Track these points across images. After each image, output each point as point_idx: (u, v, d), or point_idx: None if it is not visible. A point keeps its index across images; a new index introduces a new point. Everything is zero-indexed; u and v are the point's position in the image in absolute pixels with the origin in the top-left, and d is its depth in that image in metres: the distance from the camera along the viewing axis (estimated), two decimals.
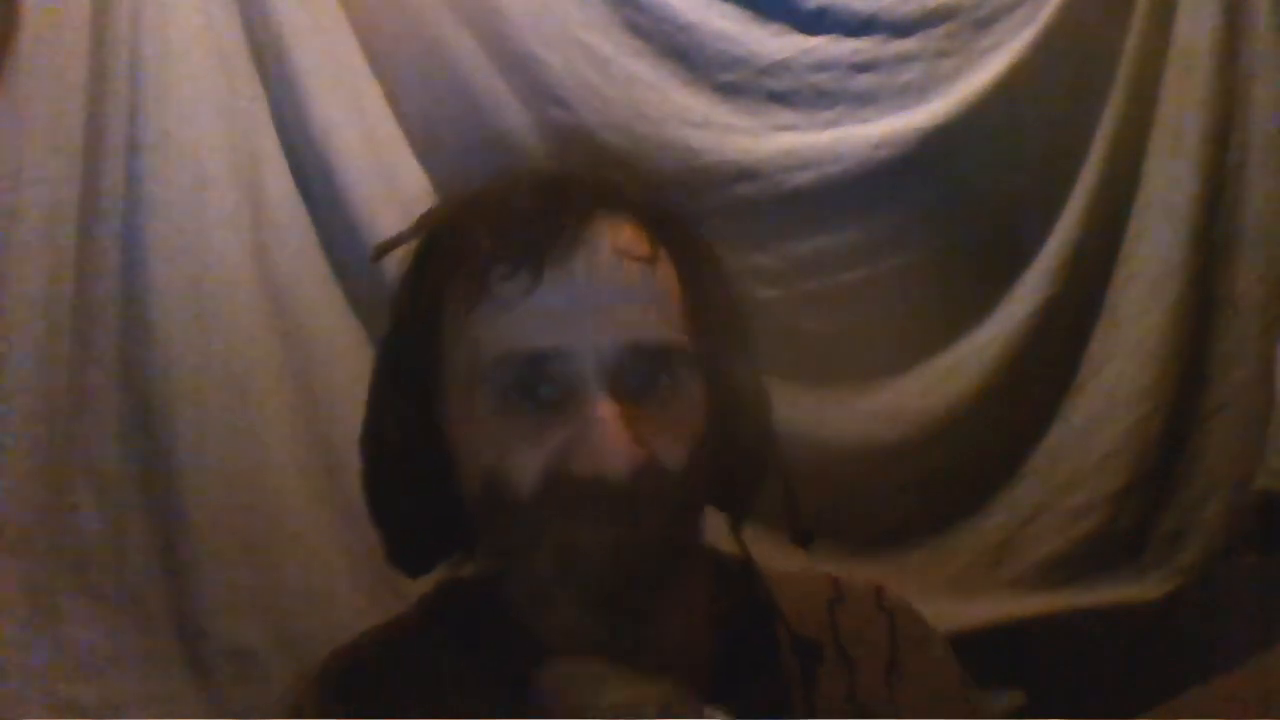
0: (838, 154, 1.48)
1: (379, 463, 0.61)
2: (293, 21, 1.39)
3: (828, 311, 1.52)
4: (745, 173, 1.48)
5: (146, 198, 1.35)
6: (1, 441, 1.31)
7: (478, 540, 0.61)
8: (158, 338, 1.34)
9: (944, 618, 1.35)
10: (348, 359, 1.40)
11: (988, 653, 1.42)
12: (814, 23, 1.49)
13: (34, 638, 1.30)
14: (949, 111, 1.47)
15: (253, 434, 1.37)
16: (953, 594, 1.50)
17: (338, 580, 1.36)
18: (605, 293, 0.55)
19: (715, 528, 0.63)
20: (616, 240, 0.56)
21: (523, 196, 0.58)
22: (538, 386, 0.54)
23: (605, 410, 0.52)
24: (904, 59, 1.49)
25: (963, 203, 1.52)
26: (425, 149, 1.45)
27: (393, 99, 1.45)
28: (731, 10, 1.48)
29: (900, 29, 1.49)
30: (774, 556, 0.65)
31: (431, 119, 1.46)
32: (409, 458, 0.59)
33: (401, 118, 1.45)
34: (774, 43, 1.48)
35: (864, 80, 1.49)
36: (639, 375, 0.55)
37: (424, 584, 0.65)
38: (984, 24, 1.50)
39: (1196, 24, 1.50)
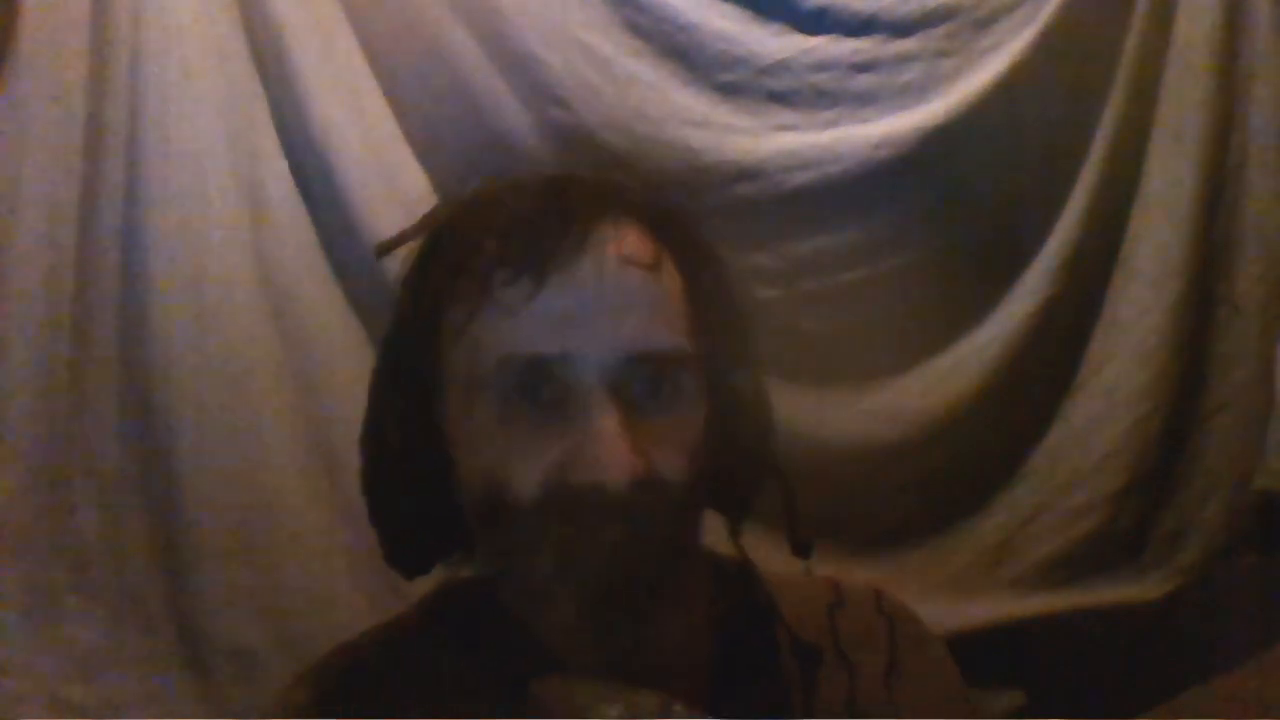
0: (838, 154, 1.48)
1: (378, 463, 0.61)
2: (293, 21, 1.39)
3: (828, 311, 1.52)
4: (745, 173, 1.48)
5: (146, 198, 1.35)
6: (1, 441, 1.31)
7: (476, 541, 0.61)
8: (158, 338, 1.35)
9: (944, 618, 1.36)
10: (348, 359, 1.40)
11: (988, 653, 1.42)
12: (814, 23, 1.49)
13: (34, 638, 1.30)
14: (949, 111, 1.47)
15: (253, 434, 1.37)
16: (953, 594, 1.50)
17: (338, 580, 1.36)
18: (609, 299, 0.54)
19: (717, 531, 0.63)
20: (620, 245, 0.55)
21: (526, 199, 0.57)
22: (539, 392, 0.54)
23: (606, 420, 0.52)
24: (904, 59, 1.49)
25: (963, 203, 1.52)
26: (425, 149, 1.45)
27: (393, 99, 1.45)
28: (731, 10, 1.48)
29: (900, 29, 1.49)
30: (774, 559, 0.65)
31: (431, 119, 1.46)
32: (408, 458, 0.59)
33: (401, 118, 1.45)
34: (774, 43, 1.48)
35: (864, 80, 1.49)
36: (641, 383, 0.54)
37: (424, 584, 0.65)
38: (984, 24, 1.49)
39: (1196, 24, 1.50)
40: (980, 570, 1.54)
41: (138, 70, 1.35)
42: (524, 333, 0.54)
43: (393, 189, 1.42)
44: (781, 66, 1.48)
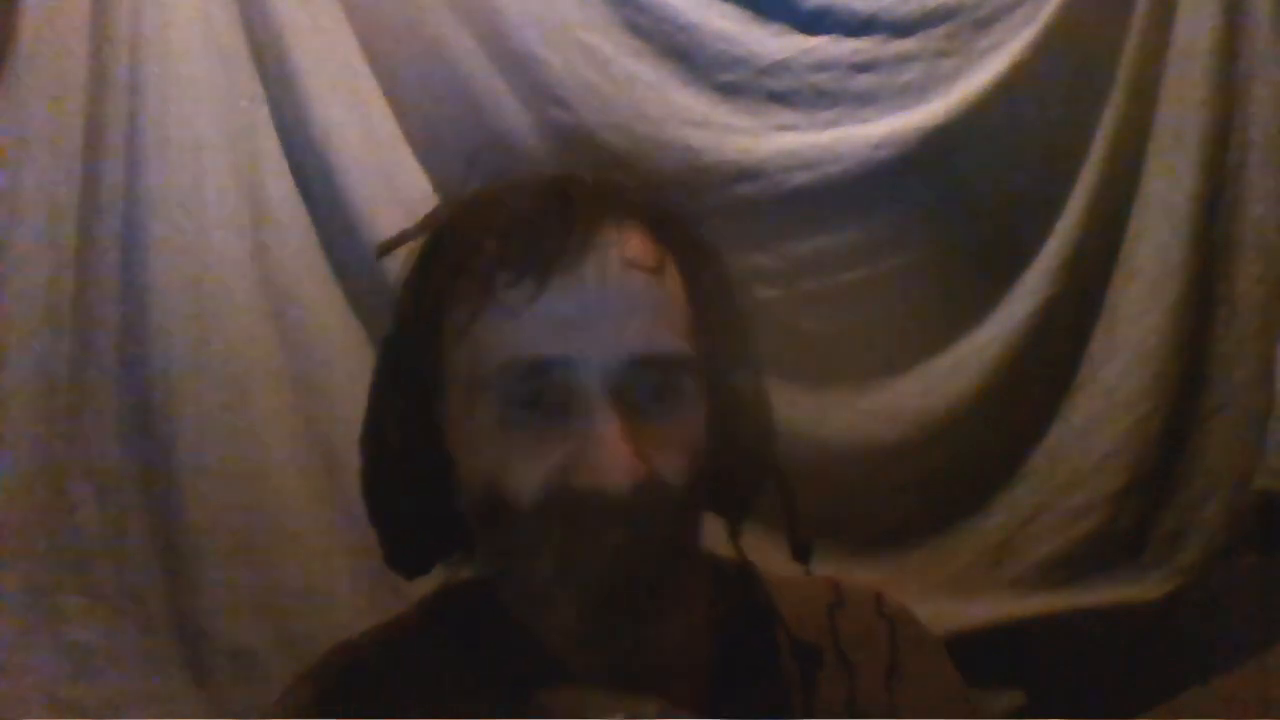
0: (838, 154, 1.48)
1: (378, 463, 0.61)
2: (293, 21, 1.39)
3: (828, 311, 1.52)
4: (745, 173, 1.48)
5: (146, 198, 1.35)
6: (1, 441, 1.31)
7: (476, 542, 0.61)
8: (158, 338, 1.35)
9: (944, 618, 1.37)
10: (348, 359, 1.40)
11: (988, 653, 1.42)
12: (814, 23, 1.49)
13: (34, 638, 1.30)
14: (949, 111, 1.47)
15: (253, 434, 1.37)
16: (953, 594, 1.50)
17: (338, 580, 1.36)
18: (611, 303, 0.54)
19: (717, 532, 0.63)
20: (623, 249, 0.55)
21: (528, 201, 0.57)
22: (541, 395, 0.54)
23: (608, 424, 0.52)
24: (904, 59, 1.49)
25: (963, 203, 1.52)
26: (425, 149, 1.45)
27: (393, 99, 1.45)
28: (731, 10, 1.48)
29: (900, 29, 1.49)
30: (774, 560, 0.65)
31: (431, 119, 1.46)
32: (408, 458, 0.59)
33: (401, 118, 1.45)
34: (774, 43, 1.48)
35: (864, 80, 1.49)
36: (643, 387, 0.54)
37: (424, 584, 0.65)
38: (984, 24, 1.49)
39: (1196, 24, 1.49)
40: (980, 570, 1.54)
41: (138, 70, 1.35)
42: (526, 335, 0.54)
43: (393, 189, 1.42)
44: (781, 66, 1.48)
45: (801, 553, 0.63)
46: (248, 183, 1.40)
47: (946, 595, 1.50)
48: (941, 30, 1.49)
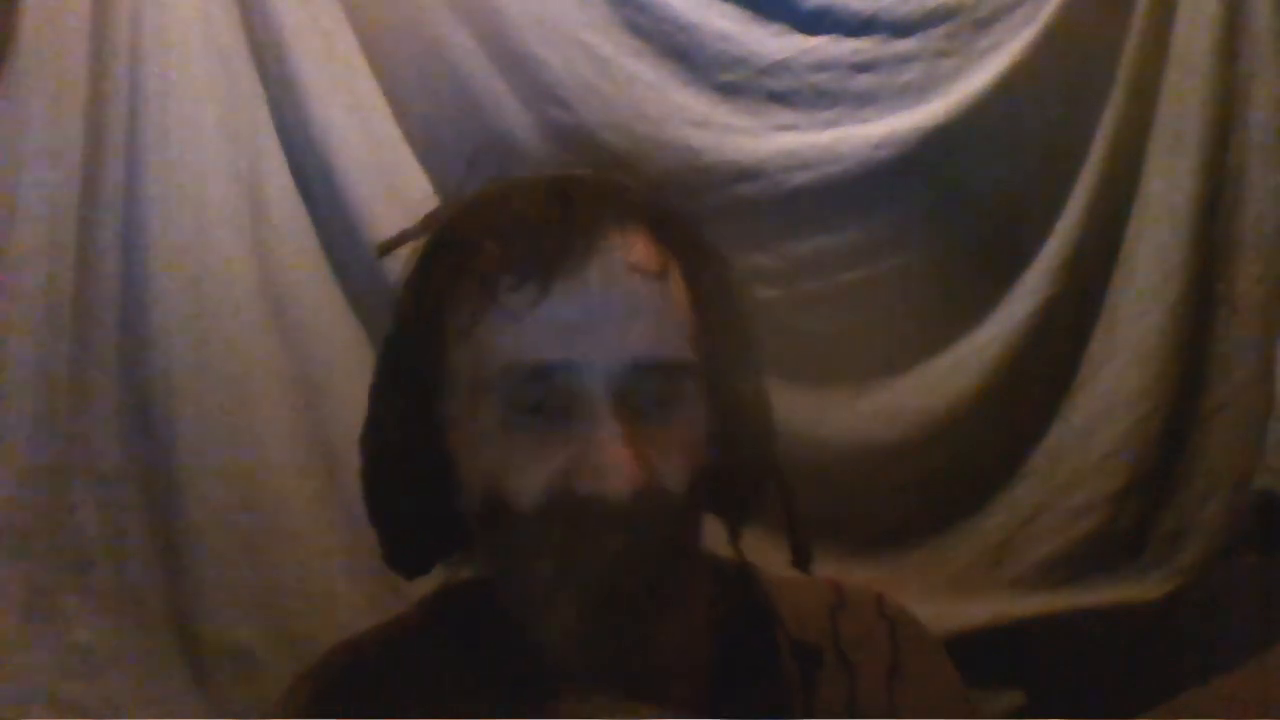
0: (838, 154, 1.48)
1: (378, 463, 0.61)
2: (293, 21, 1.40)
3: (828, 311, 1.52)
4: (745, 173, 1.48)
5: (146, 198, 1.35)
6: (1, 441, 1.31)
7: (476, 543, 0.61)
8: (158, 338, 1.35)
9: (944, 618, 1.37)
10: (348, 359, 1.41)
11: (988, 653, 1.42)
12: (814, 23, 1.49)
13: (34, 638, 1.30)
14: (949, 111, 1.47)
15: (253, 434, 1.37)
16: (953, 594, 1.50)
17: (338, 580, 1.36)
18: (614, 307, 0.54)
19: (718, 533, 0.63)
20: (627, 253, 0.55)
21: (531, 203, 0.57)
22: (543, 399, 0.54)
23: (611, 429, 0.52)
24: (904, 59, 1.49)
25: (963, 203, 1.52)
26: (425, 149, 1.45)
27: (393, 99, 1.45)
28: (731, 10, 1.48)
29: (900, 29, 1.49)
30: (775, 561, 0.65)
31: (431, 119, 1.46)
32: (408, 458, 0.59)
33: (401, 118, 1.45)
34: (774, 43, 1.48)
35: (864, 80, 1.49)
36: (645, 391, 0.54)
37: (424, 584, 0.65)
38: (984, 24, 1.49)
39: (1196, 24, 1.49)
40: (980, 570, 1.54)
41: (138, 70, 1.35)
42: (529, 340, 0.54)
43: (393, 189, 1.42)
44: (781, 66, 1.48)
45: (802, 559, 0.63)
46: (248, 183, 1.40)
47: (946, 595, 1.50)
48: (941, 30, 1.49)
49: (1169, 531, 1.55)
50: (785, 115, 1.49)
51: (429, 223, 0.61)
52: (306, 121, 1.40)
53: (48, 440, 1.33)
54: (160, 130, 1.35)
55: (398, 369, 0.60)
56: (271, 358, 1.40)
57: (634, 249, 0.56)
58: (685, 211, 0.61)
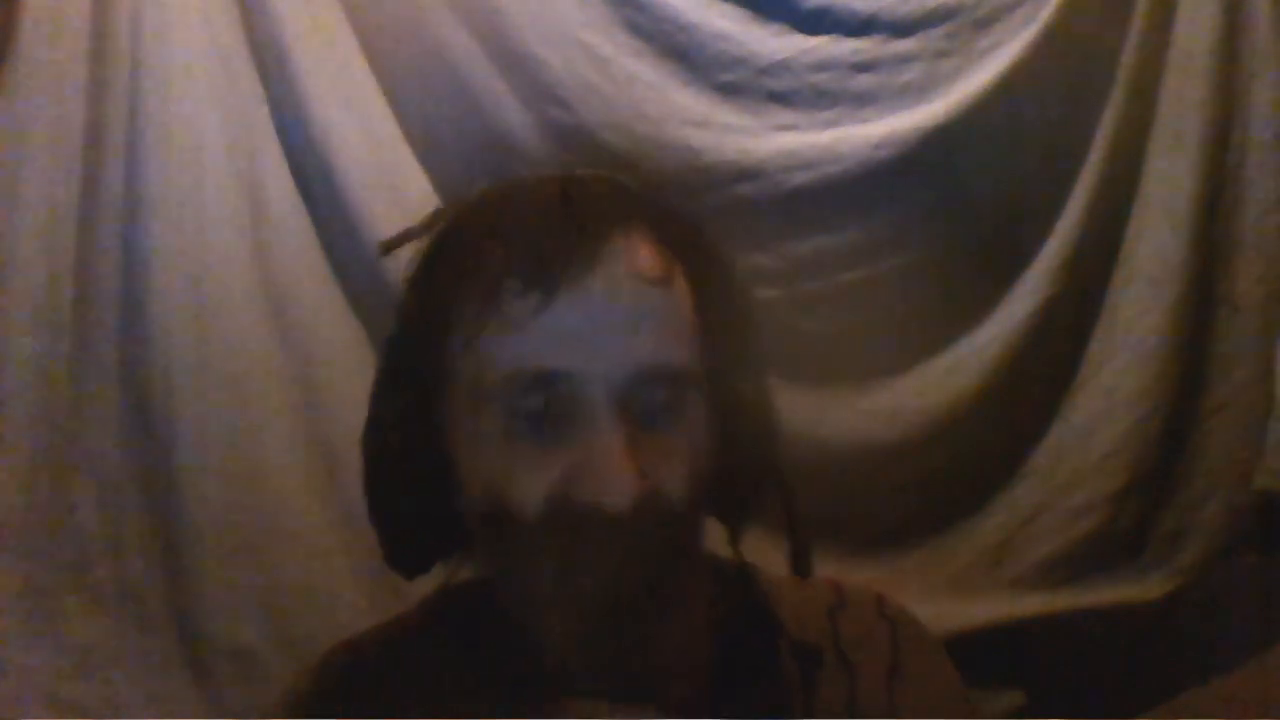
0: (838, 154, 1.48)
1: (379, 463, 0.61)
2: (293, 21, 1.39)
3: (828, 311, 1.52)
4: (745, 173, 1.48)
5: (146, 198, 1.35)
6: (1, 441, 1.31)
7: (477, 545, 0.61)
8: (158, 338, 1.35)
9: (944, 618, 1.36)
10: (348, 359, 1.40)
11: (988, 653, 1.42)
12: (814, 23, 1.49)
13: (34, 638, 1.30)
14: (949, 111, 1.47)
15: (253, 434, 1.37)
16: (953, 594, 1.50)
17: (338, 580, 1.36)
18: (618, 316, 0.54)
19: (718, 533, 0.63)
20: (632, 260, 0.55)
21: (536, 208, 0.56)
22: (545, 407, 0.54)
23: (612, 439, 0.52)
24: (904, 59, 1.49)
25: (963, 203, 1.52)
26: (425, 149, 1.45)
27: (393, 99, 1.45)
28: (731, 10, 1.48)
29: (900, 29, 1.49)
30: (776, 561, 0.65)
31: (431, 119, 1.46)
32: (409, 459, 0.59)
33: (401, 118, 1.45)
34: (774, 43, 1.48)
35: (864, 80, 1.49)
36: (647, 399, 0.54)
37: (424, 584, 0.65)
38: (984, 24, 1.49)
39: (1196, 24, 1.49)
40: (980, 570, 1.54)
41: (138, 70, 1.35)
42: (531, 348, 0.53)
43: (393, 189, 1.41)
44: (781, 66, 1.48)
45: (801, 567, 0.62)
46: (248, 183, 1.40)
47: (946, 595, 1.50)
48: (941, 30, 1.49)
49: (1169, 531, 1.55)
50: (785, 115, 1.49)
51: (432, 222, 0.61)
52: (306, 121, 1.40)
53: (48, 440, 1.33)
54: (160, 130, 1.35)
55: (399, 369, 0.60)
56: (271, 358, 1.40)
57: (638, 255, 0.55)
58: (690, 213, 0.61)
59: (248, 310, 1.39)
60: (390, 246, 0.62)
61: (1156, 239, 1.53)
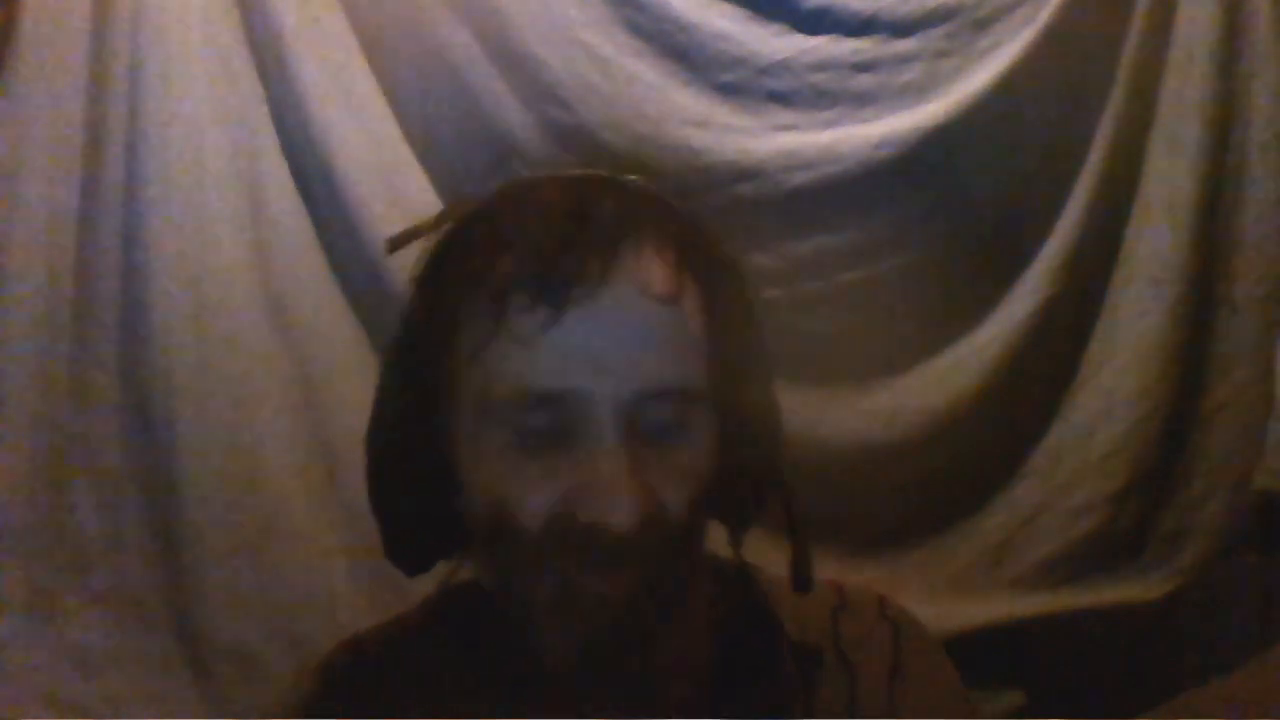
0: (838, 154, 1.48)
1: (381, 462, 0.61)
2: (293, 21, 1.40)
3: (828, 311, 1.52)
4: (745, 173, 1.48)
5: (146, 198, 1.35)
6: (2, 441, 1.31)
7: (477, 551, 0.61)
8: (158, 338, 1.35)
9: (944, 618, 1.37)
10: (348, 359, 1.41)
11: (988, 653, 1.42)
12: (814, 23, 1.49)
13: (34, 638, 1.30)
14: (949, 111, 1.47)
15: (253, 434, 1.38)
16: (953, 594, 1.50)
17: (338, 580, 1.36)
18: (627, 335, 0.53)
19: (719, 533, 0.63)
20: (643, 278, 0.54)
21: (549, 218, 0.55)
22: (550, 423, 0.53)
23: (617, 459, 0.52)
24: (904, 59, 1.49)
25: (963, 203, 1.52)
26: (425, 149, 1.45)
27: (393, 99, 1.45)
28: (731, 10, 1.48)
29: (900, 29, 1.49)
30: (776, 561, 0.65)
31: (431, 119, 1.46)
32: (410, 459, 0.59)
33: (401, 118, 1.45)
34: (774, 43, 1.48)
35: (864, 80, 1.49)
36: (652, 417, 0.53)
37: (424, 584, 0.65)
38: (984, 24, 1.49)
39: (1196, 24, 1.49)
40: (980, 570, 1.54)
41: (138, 70, 1.35)
42: (538, 366, 0.53)
43: (393, 189, 1.42)
44: (781, 66, 1.48)
45: (801, 582, 0.62)
46: (248, 183, 1.40)
47: (946, 595, 1.50)
48: (941, 30, 1.49)
49: (1169, 531, 1.55)
50: (785, 115, 1.49)
51: (440, 221, 0.60)
52: (306, 121, 1.40)
53: (48, 440, 1.33)
54: (160, 130, 1.35)
55: (403, 371, 0.60)
56: (271, 358, 1.40)
57: (649, 272, 0.54)
58: (703, 221, 0.60)
59: (248, 310, 1.39)
60: (397, 244, 0.61)
61: (1156, 239, 1.53)
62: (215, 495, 1.35)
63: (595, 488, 0.51)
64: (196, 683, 1.34)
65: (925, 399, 1.54)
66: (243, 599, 1.34)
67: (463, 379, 0.56)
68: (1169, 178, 1.52)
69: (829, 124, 1.49)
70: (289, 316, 1.41)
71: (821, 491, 1.41)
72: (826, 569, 0.68)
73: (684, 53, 1.48)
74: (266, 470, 1.37)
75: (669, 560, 0.54)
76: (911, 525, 1.55)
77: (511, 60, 1.45)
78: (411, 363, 0.59)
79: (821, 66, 1.49)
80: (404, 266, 0.61)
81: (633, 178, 0.60)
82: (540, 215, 0.55)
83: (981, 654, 1.39)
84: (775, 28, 1.49)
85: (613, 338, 0.53)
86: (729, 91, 1.49)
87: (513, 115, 1.45)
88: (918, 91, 1.50)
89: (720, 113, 1.49)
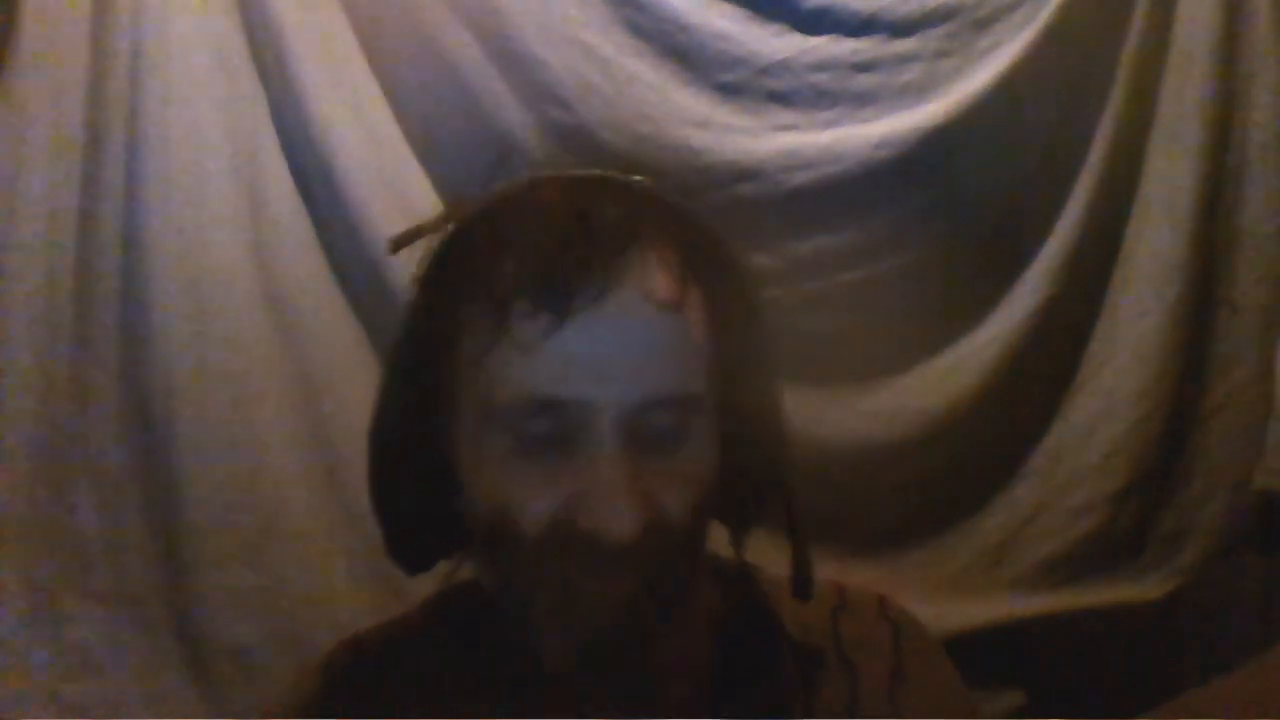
0: (838, 154, 1.48)
1: (382, 461, 0.61)
2: (293, 21, 1.39)
3: (828, 311, 1.52)
4: (745, 173, 1.48)
5: (146, 198, 1.35)
6: (1, 441, 1.31)
7: (478, 553, 0.60)
8: (157, 338, 1.35)
9: (944, 618, 1.37)
10: (348, 359, 1.40)
11: (988, 653, 1.42)
12: (814, 23, 1.48)
13: (34, 638, 1.30)
14: (949, 111, 1.47)
15: (253, 433, 1.37)
16: (953, 594, 1.50)
17: (338, 580, 1.36)
18: (630, 343, 0.53)
19: (719, 533, 0.63)
20: (647, 285, 0.54)
21: (553, 221, 0.54)
22: (552, 431, 0.53)
23: (617, 468, 0.52)
24: (904, 59, 1.49)
25: (963, 203, 1.52)
26: (425, 149, 1.45)
27: (393, 99, 1.45)
28: (731, 10, 1.48)
29: (900, 29, 1.49)
30: (776, 561, 0.65)
31: (431, 119, 1.46)
32: (410, 460, 0.59)
33: (401, 118, 1.45)
34: (774, 43, 1.48)
35: (864, 80, 1.49)
36: (654, 425, 0.53)
37: (424, 584, 0.65)
38: (984, 24, 1.49)
39: (1196, 24, 1.49)
40: (980, 570, 1.54)
41: (138, 70, 1.35)
42: (540, 373, 0.52)
43: (393, 189, 1.42)
44: (781, 66, 1.48)
45: (801, 590, 0.62)
46: (248, 182, 1.40)
47: (946, 595, 1.50)
48: (941, 30, 1.49)
49: (1169, 531, 1.55)
50: (785, 115, 1.49)
51: (443, 220, 0.60)
52: (306, 121, 1.40)
53: (48, 440, 1.33)
54: (160, 130, 1.35)
55: (405, 371, 0.60)
56: (271, 358, 1.40)
57: (653, 279, 0.54)
58: (707, 221, 0.59)
59: (248, 310, 1.39)
60: (400, 244, 0.61)
61: (1156, 239, 1.53)
62: (215, 495, 1.34)
63: (596, 494, 0.51)
64: (196, 683, 1.34)
65: (925, 399, 1.54)
66: (243, 599, 1.34)
67: (464, 381, 0.56)
68: (1169, 178, 1.52)
69: (829, 124, 1.49)
70: (289, 317, 1.41)
71: (821, 491, 1.42)
72: (826, 569, 0.68)
73: (684, 53, 1.48)
74: (266, 470, 1.37)
75: (670, 562, 0.54)
76: (911, 525, 1.55)
77: (511, 60, 1.45)
78: (413, 363, 0.59)
79: (821, 66, 1.49)
80: (408, 265, 0.60)
81: (636, 178, 0.60)
82: (544, 219, 0.55)
83: (981, 654, 1.39)
84: (775, 28, 1.49)
85: (615, 345, 0.53)
86: (729, 91, 1.49)
87: (513, 115, 1.45)
88: (918, 91, 1.49)
89: (720, 113, 1.48)
